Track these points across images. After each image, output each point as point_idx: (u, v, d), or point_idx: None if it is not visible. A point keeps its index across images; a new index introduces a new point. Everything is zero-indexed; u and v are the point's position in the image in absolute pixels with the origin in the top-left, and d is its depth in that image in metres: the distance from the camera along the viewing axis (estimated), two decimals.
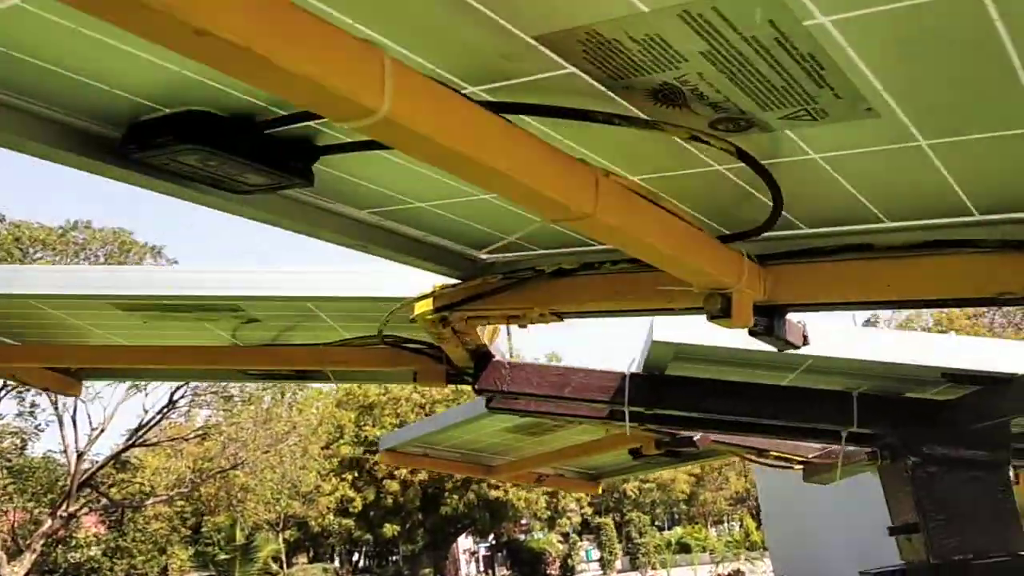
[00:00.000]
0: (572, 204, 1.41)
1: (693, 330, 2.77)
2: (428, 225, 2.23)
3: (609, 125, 1.42)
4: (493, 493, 32.78)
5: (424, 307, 2.62)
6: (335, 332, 3.60)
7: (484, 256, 2.51)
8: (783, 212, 1.88)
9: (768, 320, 2.14)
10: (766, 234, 2.01)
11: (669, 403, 3.19)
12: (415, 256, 2.33)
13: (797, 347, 2.27)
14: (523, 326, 2.51)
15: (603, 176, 1.50)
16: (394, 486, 32.40)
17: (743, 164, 1.67)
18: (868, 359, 2.85)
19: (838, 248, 2.02)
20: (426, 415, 31.38)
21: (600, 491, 6.54)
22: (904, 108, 1.38)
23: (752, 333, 2.18)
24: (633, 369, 3.20)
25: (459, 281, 2.54)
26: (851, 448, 3.43)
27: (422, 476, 32.36)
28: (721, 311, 1.98)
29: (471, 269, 2.50)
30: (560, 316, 2.45)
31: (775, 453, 4.84)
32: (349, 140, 1.66)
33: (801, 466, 4.95)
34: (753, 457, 4.86)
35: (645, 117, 1.43)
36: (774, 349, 2.76)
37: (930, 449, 3.09)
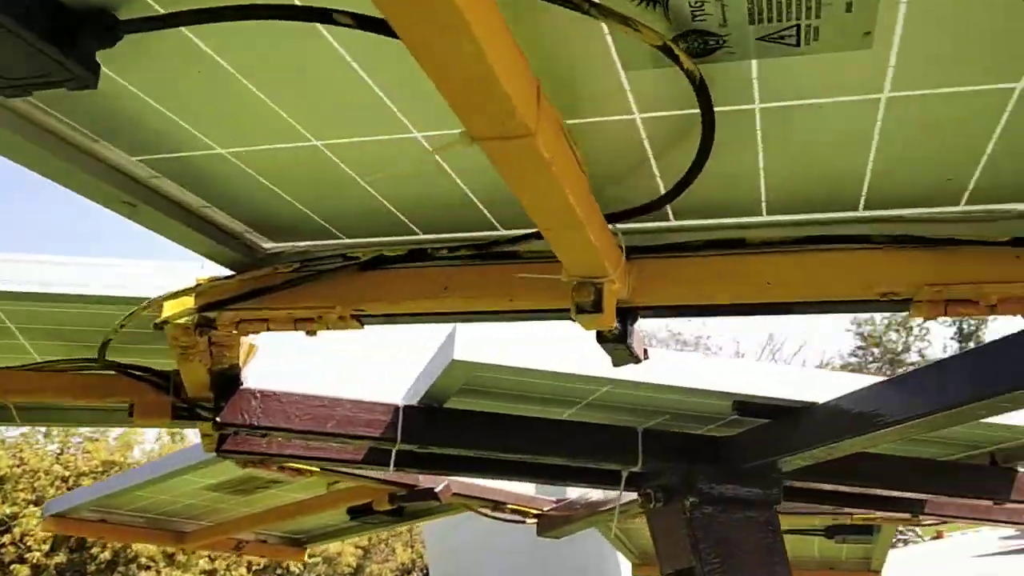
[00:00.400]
0: (520, 108, 1.04)
1: (496, 349, 2.45)
2: (212, 188, 1.73)
3: (578, 12, 1.07)
4: (143, 574, 29.81)
5: (180, 306, 2.07)
6: (26, 354, 2.85)
7: (268, 246, 2.02)
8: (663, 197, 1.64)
9: (622, 324, 1.86)
10: (627, 225, 1.76)
11: (448, 440, 2.82)
12: (189, 228, 1.80)
13: (638, 361, 2.02)
14: (313, 333, 2.04)
15: (541, 90, 1.14)
16: (24, 571, 28.41)
17: (666, 113, 1.39)
18: (661, 384, 2.67)
19: (708, 243, 1.80)
20: (68, 490, 28.06)
21: (307, 557, 5.93)
22: (906, 40, 1.16)
23: (601, 340, 1.90)
24: (408, 401, 2.80)
25: (233, 273, 2.03)
26: (625, 492, 3.24)
27: (59, 559, 28.73)
28: (592, 305, 1.68)
29: (250, 258, 2.00)
30: (361, 321, 2.02)
31: (512, 506, 4.59)
32: (165, 12, 1.16)
33: (535, 520, 4.74)
34: (488, 511, 4.57)
35: (621, 13, 1.09)
36: (591, 372, 2.51)
37: (708, 488, 2.97)
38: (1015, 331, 2.07)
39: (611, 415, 3.05)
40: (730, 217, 1.78)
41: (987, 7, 1.10)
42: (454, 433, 2.81)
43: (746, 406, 2.76)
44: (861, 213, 1.73)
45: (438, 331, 2.45)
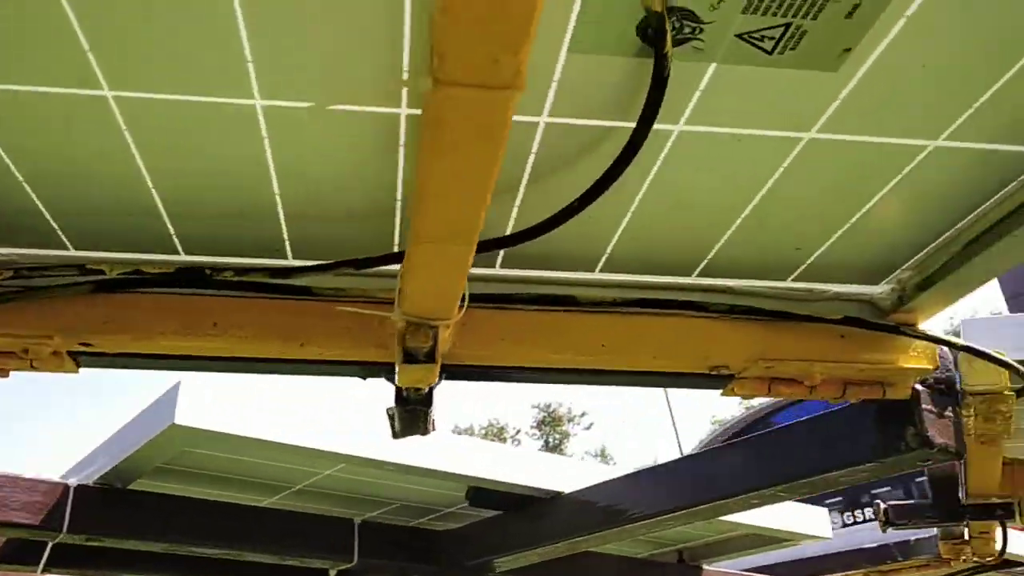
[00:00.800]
0: (524, 51, 0.78)
1: (224, 414, 2.01)
2: None
3: None
4: None
5: None
6: None
7: None
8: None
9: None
10: None
11: (128, 531, 2.26)
12: None
13: (426, 432, 1.73)
14: (5, 373, 1.50)
15: None
16: None
17: (577, 121, 1.19)
18: (399, 463, 2.37)
19: (538, 297, 1.59)
20: None
21: None
22: (876, 68, 1.07)
23: (402, 403, 1.60)
24: (84, 480, 2.22)
25: None
26: None
27: None
28: (427, 354, 1.39)
29: None
30: (79, 361, 1.53)
31: None
32: None
33: None
34: None
35: None
36: (329, 447, 2.17)
37: None
38: (776, 427, 2.08)
39: (325, 504, 2.67)
40: (560, 271, 1.60)
41: (974, 44, 1.04)
42: (138, 521, 2.27)
43: (482, 494, 2.54)
44: (693, 280, 1.63)
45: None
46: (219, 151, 1.23)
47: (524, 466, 2.53)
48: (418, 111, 1.14)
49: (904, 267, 1.60)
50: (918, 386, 1.72)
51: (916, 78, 1.10)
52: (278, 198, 1.35)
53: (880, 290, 1.67)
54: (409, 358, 1.37)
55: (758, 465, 1.98)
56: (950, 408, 1.73)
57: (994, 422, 1.83)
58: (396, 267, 1.53)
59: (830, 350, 1.62)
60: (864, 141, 1.22)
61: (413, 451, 2.39)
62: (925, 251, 1.54)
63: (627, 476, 2.30)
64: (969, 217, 1.42)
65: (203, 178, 1.30)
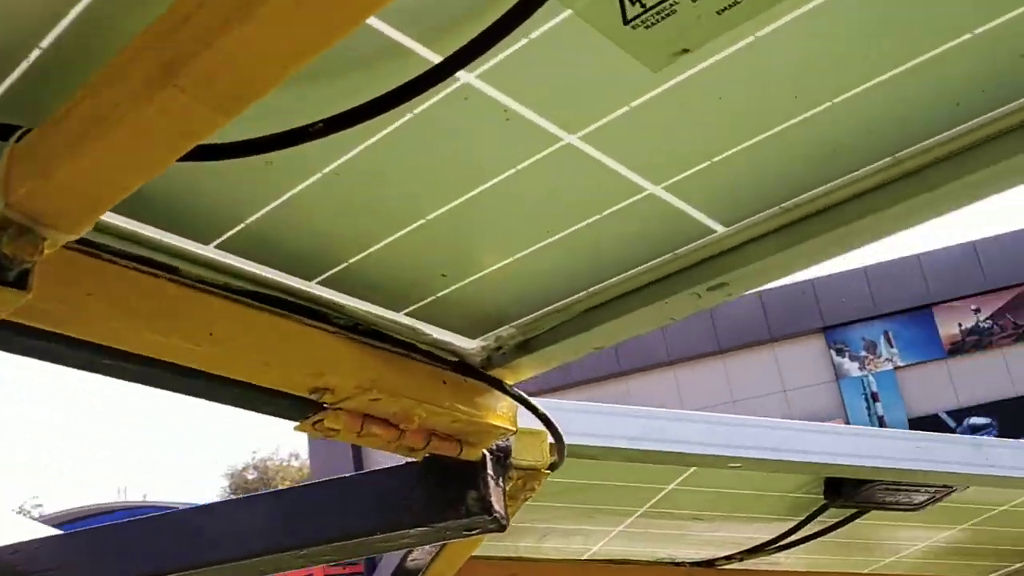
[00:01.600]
0: None
1: None
2: None
3: None
4: None
5: None
6: None
7: None
8: None
9: None
10: None
11: None
12: None
13: None
14: None
15: None
16: None
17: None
18: None
19: (132, 256, 1.19)
20: None
21: None
22: (687, 86, 1.04)
23: None
24: None
25: None
26: None
27: None
28: (19, 277, 0.92)
29: None
30: None
31: None
32: None
33: None
34: None
35: None
36: None
37: None
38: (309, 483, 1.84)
39: None
40: (166, 232, 1.23)
41: (774, 88, 1.08)
42: None
43: None
44: (308, 287, 1.39)
45: None
46: None
47: None
48: None
49: (510, 324, 1.56)
50: (484, 450, 1.66)
51: (702, 110, 1.10)
52: None
53: (471, 346, 1.61)
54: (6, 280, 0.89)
55: (280, 525, 1.70)
56: (501, 479, 1.69)
57: (516, 501, 1.84)
58: None
59: (434, 394, 1.49)
60: (606, 165, 1.18)
61: None
62: (539, 312, 1.53)
63: (88, 532, 1.79)
64: (609, 281, 1.44)
65: None
